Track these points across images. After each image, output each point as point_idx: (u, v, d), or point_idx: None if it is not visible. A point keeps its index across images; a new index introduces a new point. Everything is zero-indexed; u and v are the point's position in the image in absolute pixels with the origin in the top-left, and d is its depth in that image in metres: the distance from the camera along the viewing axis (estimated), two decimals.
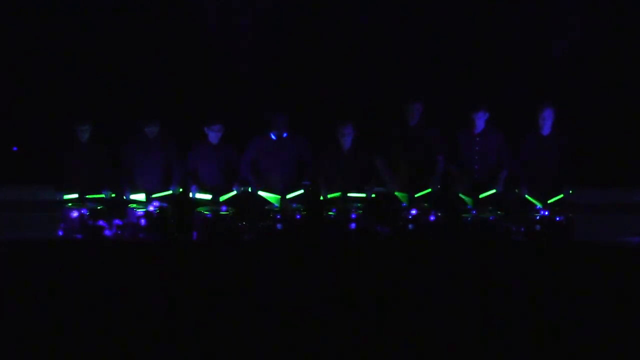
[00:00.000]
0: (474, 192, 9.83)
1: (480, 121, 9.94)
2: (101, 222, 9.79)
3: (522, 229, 9.66)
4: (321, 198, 9.90)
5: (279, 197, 9.80)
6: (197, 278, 8.36)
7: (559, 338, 7.50)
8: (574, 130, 10.16)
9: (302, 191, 9.87)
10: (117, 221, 9.83)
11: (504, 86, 11.53)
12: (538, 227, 9.60)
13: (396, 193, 9.83)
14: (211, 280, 8.30)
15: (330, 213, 9.71)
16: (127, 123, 10.61)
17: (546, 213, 9.64)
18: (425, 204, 9.76)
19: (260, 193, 9.88)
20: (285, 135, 10.06)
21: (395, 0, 11.57)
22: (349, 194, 9.77)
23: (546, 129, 9.91)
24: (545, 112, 9.86)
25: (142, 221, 9.73)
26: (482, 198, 9.75)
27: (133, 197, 9.92)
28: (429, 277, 8.41)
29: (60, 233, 9.75)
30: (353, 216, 9.62)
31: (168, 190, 9.97)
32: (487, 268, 8.52)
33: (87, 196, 9.85)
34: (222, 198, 9.83)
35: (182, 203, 10.02)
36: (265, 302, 7.98)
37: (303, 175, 10.02)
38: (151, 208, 9.79)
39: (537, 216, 9.64)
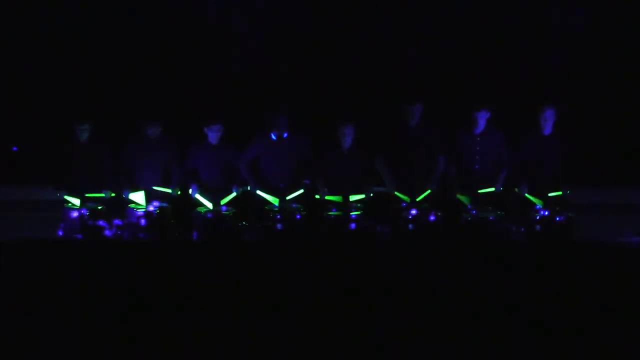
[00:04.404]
0: (474, 192, 9.82)
1: (481, 121, 9.93)
2: (101, 222, 9.79)
3: (522, 229, 9.66)
4: (321, 198, 9.89)
5: (278, 199, 9.79)
6: (197, 278, 8.35)
7: (559, 338, 7.50)
8: (574, 130, 10.15)
9: (301, 191, 9.87)
10: (117, 221, 9.83)
11: (505, 86, 11.52)
12: (538, 227, 9.60)
13: (396, 193, 9.83)
14: (211, 281, 8.30)
15: (330, 213, 9.71)
16: (127, 123, 10.61)
17: (546, 213, 9.64)
18: (425, 204, 9.76)
19: (259, 193, 9.88)
20: (285, 135, 10.06)
21: (395, 0, 11.57)
22: (350, 198, 9.75)
23: (547, 129, 9.90)
24: (546, 112, 9.85)
25: (142, 221, 9.73)
26: (482, 194, 9.74)
27: (132, 196, 9.92)
28: (429, 277, 8.40)
29: (60, 233, 9.75)
30: (353, 216, 9.62)
31: (168, 188, 9.96)
32: (487, 268, 8.51)
33: (87, 194, 9.84)
34: (223, 202, 9.82)
35: (182, 203, 10.02)
36: (265, 303, 7.98)
37: (303, 175, 10.02)
38: (151, 208, 9.79)
39: (537, 216, 9.63)
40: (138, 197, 9.94)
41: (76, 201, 9.82)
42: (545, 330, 7.59)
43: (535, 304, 7.95)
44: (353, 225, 9.60)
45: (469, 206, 9.75)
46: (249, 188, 9.97)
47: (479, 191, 9.73)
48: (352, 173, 9.97)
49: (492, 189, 9.80)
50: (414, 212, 9.67)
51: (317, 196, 9.90)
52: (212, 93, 11.53)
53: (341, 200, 9.79)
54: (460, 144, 10.00)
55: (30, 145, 11.67)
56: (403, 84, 11.43)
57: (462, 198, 9.79)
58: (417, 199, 9.73)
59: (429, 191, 9.82)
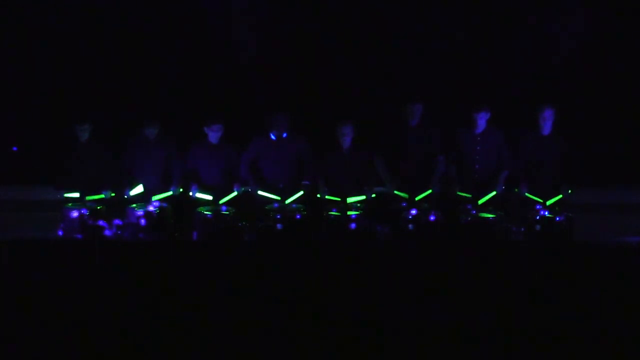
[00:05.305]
0: (474, 192, 9.83)
1: (481, 121, 9.94)
2: (101, 222, 9.79)
3: (522, 229, 9.66)
4: (321, 198, 9.89)
5: (280, 197, 9.80)
6: (197, 278, 8.36)
7: (559, 338, 7.51)
8: (574, 130, 10.16)
9: (301, 193, 9.87)
10: (117, 221, 9.83)
11: (505, 86, 11.53)
12: (538, 227, 9.60)
13: (396, 192, 9.83)
14: (211, 280, 8.31)
15: (330, 213, 9.71)
16: (127, 123, 10.61)
17: (546, 213, 9.64)
18: (425, 204, 9.76)
19: (260, 193, 9.88)
20: (285, 135, 10.06)
21: (395, 0, 11.58)
22: (349, 199, 9.74)
23: (546, 129, 9.91)
24: (545, 112, 9.86)
25: (142, 221, 9.73)
26: (482, 203, 9.75)
27: (133, 191, 9.92)
28: (428, 277, 8.42)
29: (60, 233, 9.75)
30: (353, 216, 9.62)
31: (168, 191, 9.97)
32: (487, 268, 8.52)
33: (87, 197, 9.84)
34: (222, 201, 9.83)
35: (182, 203, 10.03)
36: (265, 302, 7.99)
37: (303, 175, 10.02)
38: (151, 208, 9.80)
39: (537, 216, 9.63)
40: (138, 190, 9.93)
41: (76, 195, 9.83)
42: (545, 330, 7.60)
43: (535, 304, 7.96)
44: (353, 225, 9.60)
45: (469, 206, 9.75)
46: (249, 188, 9.98)
47: (479, 202, 9.71)
48: (351, 173, 9.97)
49: (493, 193, 9.78)
50: (414, 212, 9.67)
51: (317, 196, 9.90)
52: (212, 93, 11.54)
53: (341, 201, 9.79)
54: (461, 144, 10.00)
55: (30, 145, 11.68)
56: (403, 83, 11.43)
57: (463, 196, 9.80)
58: (417, 199, 9.72)
59: (429, 191, 9.82)
